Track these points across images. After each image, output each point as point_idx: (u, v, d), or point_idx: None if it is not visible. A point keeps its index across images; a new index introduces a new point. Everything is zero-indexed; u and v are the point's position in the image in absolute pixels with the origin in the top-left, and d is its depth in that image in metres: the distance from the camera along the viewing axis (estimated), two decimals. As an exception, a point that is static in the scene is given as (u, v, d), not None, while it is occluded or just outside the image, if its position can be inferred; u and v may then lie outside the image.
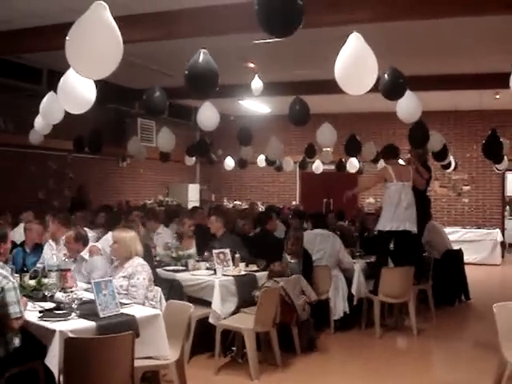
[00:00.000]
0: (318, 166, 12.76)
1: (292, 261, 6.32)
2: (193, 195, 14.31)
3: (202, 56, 4.57)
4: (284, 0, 2.89)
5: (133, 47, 6.27)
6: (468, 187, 13.38)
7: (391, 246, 7.14)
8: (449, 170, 12.08)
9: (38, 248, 6.14)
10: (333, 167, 12.75)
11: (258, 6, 2.94)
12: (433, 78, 9.08)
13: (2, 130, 9.51)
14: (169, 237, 7.68)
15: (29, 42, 6.94)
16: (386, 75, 5.39)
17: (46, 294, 4.68)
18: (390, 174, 7.15)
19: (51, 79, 9.61)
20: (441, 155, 9.34)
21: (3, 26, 6.70)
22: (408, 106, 5.94)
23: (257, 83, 7.89)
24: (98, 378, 3.75)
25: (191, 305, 4.61)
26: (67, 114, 9.70)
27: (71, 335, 3.83)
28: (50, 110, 5.65)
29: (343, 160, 11.84)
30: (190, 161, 12.36)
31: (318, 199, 14.40)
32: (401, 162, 8.08)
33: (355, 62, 3.90)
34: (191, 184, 14.64)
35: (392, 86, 5.39)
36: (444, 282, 8.29)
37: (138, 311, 4.36)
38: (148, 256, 5.95)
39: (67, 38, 3.08)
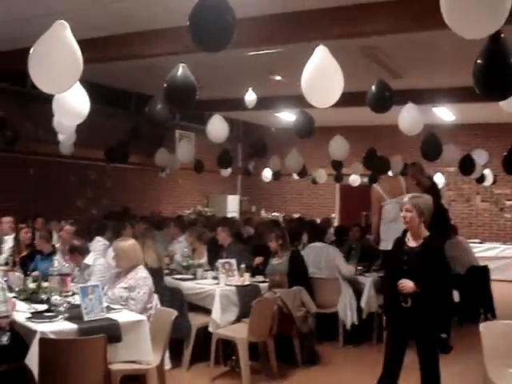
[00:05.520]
0: (354, 179, 12.66)
1: (275, 262, 6.38)
2: (232, 206, 14.47)
3: (181, 70, 4.69)
4: (214, 17, 2.98)
5: (159, 60, 6.52)
6: (511, 202, 12.93)
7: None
8: (486, 184, 11.74)
9: (52, 254, 6.39)
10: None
11: (189, 21, 3.04)
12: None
13: (41, 140, 9.95)
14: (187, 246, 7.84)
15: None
16: (373, 88, 5.37)
17: (43, 297, 4.92)
18: (380, 193, 7.06)
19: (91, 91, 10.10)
20: (465, 168, 9.10)
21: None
22: (409, 119, 5.89)
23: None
24: (70, 378, 3.91)
25: (174, 311, 4.69)
26: (101, 123, 10.17)
27: (52, 336, 4.02)
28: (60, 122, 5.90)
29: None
30: (226, 172, 12.51)
31: (357, 212, 14.27)
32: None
33: (321, 75, 3.94)
34: (230, 195, 14.80)
35: (379, 99, 5.37)
36: (468, 298, 8.08)
37: (122, 316, 4.50)
38: (159, 265, 6.13)
39: (29, 54, 3.28)
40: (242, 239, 8.48)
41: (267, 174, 13.26)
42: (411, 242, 4.34)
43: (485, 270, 8.51)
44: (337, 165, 10.97)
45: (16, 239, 6.96)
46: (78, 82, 4.47)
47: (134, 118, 10.19)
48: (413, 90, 9.12)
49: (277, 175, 12.70)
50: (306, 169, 11.99)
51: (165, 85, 4.70)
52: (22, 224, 8.02)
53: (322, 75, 3.95)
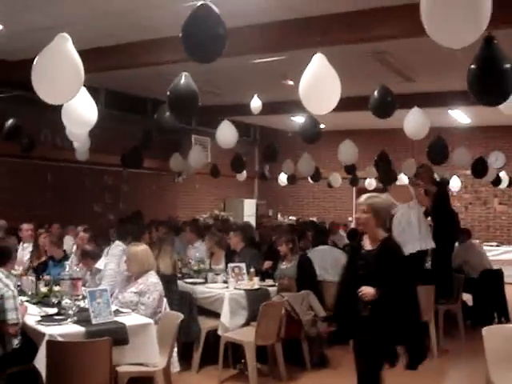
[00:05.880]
0: (370, 183, 12.65)
1: (284, 266, 6.43)
2: (248, 210, 14.53)
3: (184, 79, 4.78)
4: (206, 29, 3.06)
5: (173, 67, 6.65)
6: (529, 205, 12.83)
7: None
8: (501, 187, 11.65)
9: (64, 259, 6.50)
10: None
11: (182, 33, 3.12)
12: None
13: (58, 147, 10.14)
14: (204, 251, 7.88)
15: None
16: (375, 93, 5.42)
17: (54, 300, 5.05)
18: (390, 200, 7.11)
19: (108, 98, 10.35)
20: (478, 171, 9.07)
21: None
22: (414, 123, 5.92)
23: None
24: (77, 380, 4.01)
25: (181, 314, 4.77)
26: (118, 129, 10.30)
27: (60, 339, 4.14)
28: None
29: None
30: (241, 176, 12.58)
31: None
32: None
33: (318, 83, 4.00)
34: (247, 199, 14.87)
35: (381, 104, 5.40)
36: (481, 302, 8.06)
37: (130, 319, 4.60)
38: (172, 272, 6.18)
39: (33, 65, 3.40)
40: (255, 244, 8.52)
41: (283, 178, 13.31)
42: (368, 246, 4.04)
43: (498, 274, 8.45)
44: (349, 169, 10.97)
45: (35, 245, 7.06)
46: (86, 91, 4.60)
47: (150, 123, 10.34)
48: (426, 93, 9.13)
49: (292, 179, 12.74)
50: (320, 173, 12.01)
51: (168, 93, 4.80)
52: (41, 229, 8.18)
53: (319, 83, 4.01)
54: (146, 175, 12.14)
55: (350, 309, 4.03)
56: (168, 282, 5.84)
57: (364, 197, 4.06)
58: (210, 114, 10.51)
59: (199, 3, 3.07)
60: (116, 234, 7.48)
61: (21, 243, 7.71)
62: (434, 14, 2.59)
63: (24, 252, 7.49)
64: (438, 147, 7.03)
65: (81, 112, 4.59)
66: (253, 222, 13.48)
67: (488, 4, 2.52)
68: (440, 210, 7.24)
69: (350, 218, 14.53)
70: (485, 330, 4.33)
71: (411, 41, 6.70)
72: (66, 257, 6.55)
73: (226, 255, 7.35)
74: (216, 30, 3.03)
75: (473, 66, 3.50)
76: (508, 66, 3.41)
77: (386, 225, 4.06)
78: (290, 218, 14.23)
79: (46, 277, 5.53)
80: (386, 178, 7.42)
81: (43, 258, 6.70)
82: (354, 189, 14.60)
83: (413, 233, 6.93)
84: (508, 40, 5.85)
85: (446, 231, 7.24)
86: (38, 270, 6.32)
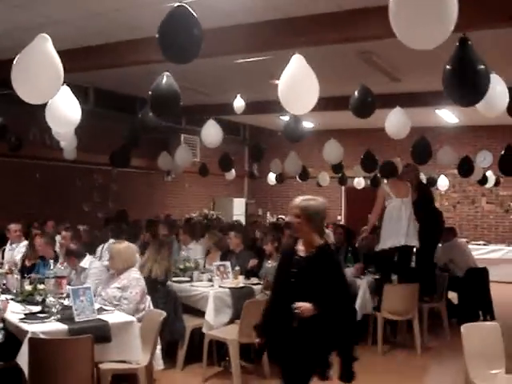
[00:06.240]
0: (359, 182, 12.72)
1: (269, 265, 6.48)
2: (238, 209, 14.57)
3: (165, 79, 4.82)
4: (182, 30, 3.09)
5: (166, 67, 6.70)
6: (516, 204, 12.94)
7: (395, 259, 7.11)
8: (488, 186, 11.74)
9: (54, 259, 6.47)
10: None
11: (158, 34, 3.16)
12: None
13: (47, 146, 10.14)
14: (199, 253, 7.87)
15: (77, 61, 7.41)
16: (355, 93, 5.47)
17: (38, 298, 5.07)
18: (387, 191, 7.18)
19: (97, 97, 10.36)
20: (464, 170, 9.14)
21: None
22: (395, 122, 5.98)
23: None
24: (59, 377, 4.04)
25: (164, 312, 4.81)
26: (107, 128, 10.30)
27: (42, 337, 4.16)
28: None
29: (378, 175, 11.69)
30: (230, 175, 12.60)
31: (364, 215, 14.28)
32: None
33: (296, 83, 4.04)
34: (236, 198, 14.91)
35: (361, 104, 5.46)
36: (467, 300, 8.13)
37: (113, 317, 4.63)
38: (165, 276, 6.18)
39: (12, 65, 3.43)
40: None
41: (272, 177, 13.36)
42: (302, 252, 3.69)
43: (483, 272, 8.52)
44: (336, 168, 11.03)
45: (30, 245, 7.01)
46: (69, 90, 4.63)
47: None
48: (411, 92, 9.20)
49: (280, 178, 12.79)
50: (308, 172, 12.06)
51: (150, 93, 4.83)
52: (36, 230, 8.12)
53: (298, 83, 4.05)
54: (136, 174, 12.16)
55: (278, 319, 3.71)
56: (159, 285, 5.88)
57: (298, 200, 3.71)
58: (199, 113, 10.54)
59: (176, 4, 3.12)
60: (111, 234, 7.51)
61: (8, 243, 7.71)
62: (402, 16, 2.64)
63: (13, 252, 7.48)
64: (421, 147, 7.10)
65: (64, 111, 4.62)
66: (242, 221, 13.53)
67: (454, 4, 2.56)
68: (424, 209, 7.31)
69: (338, 217, 14.61)
70: (464, 328, 4.40)
71: (396, 41, 6.72)
72: (57, 257, 6.54)
73: (222, 256, 7.35)
74: (191, 31, 3.06)
75: (447, 67, 3.55)
76: (482, 66, 3.48)
77: (322, 230, 3.74)
78: (280, 216, 14.27)
79: (32, 275, 5.54)
80: (388, 171, 7.47)
81: (38, 260, 6.66)
82: (343, 188, 14.69)
83: (400, 227, 6.98)
84: (487, 41, 5.94)
85: (430, 230, 7.31)
86: (25, 269, 6.32)
